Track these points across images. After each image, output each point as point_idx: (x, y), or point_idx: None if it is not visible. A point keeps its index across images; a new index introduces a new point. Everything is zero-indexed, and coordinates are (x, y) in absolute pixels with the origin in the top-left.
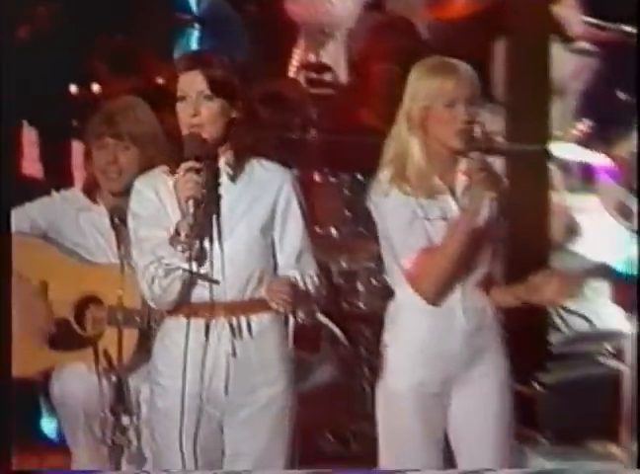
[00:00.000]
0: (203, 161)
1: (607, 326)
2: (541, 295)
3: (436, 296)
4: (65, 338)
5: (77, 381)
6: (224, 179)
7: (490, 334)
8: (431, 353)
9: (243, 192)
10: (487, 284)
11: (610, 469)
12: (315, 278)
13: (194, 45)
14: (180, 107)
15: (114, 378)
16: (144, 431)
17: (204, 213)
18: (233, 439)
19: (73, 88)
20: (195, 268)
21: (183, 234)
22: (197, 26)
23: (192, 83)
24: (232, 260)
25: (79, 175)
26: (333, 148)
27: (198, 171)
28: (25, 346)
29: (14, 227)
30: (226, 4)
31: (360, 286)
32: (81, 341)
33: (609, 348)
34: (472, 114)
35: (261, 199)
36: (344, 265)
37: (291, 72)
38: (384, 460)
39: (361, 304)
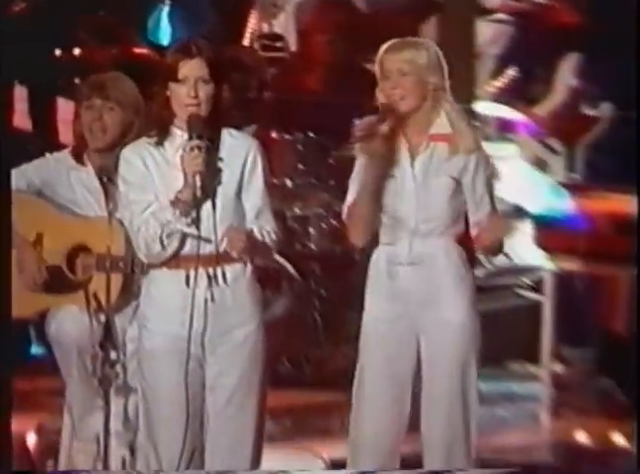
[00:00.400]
0: (204, 139)
1: (525, 262)
2: (484, 234)
3: (360, 240)
4: (59, 283)
5: (70, 321)
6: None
7: (441, 276)
8: (389, 293)
9: (222, 158)
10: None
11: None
12: (272, 234)
13: (165, 19)
14: (178, 88)
15: (102, 318)
16: (130, 365)
17: (205, 185)
18: (213, 374)
19: (58, 51)
20: (191, 229)
21: (184, 201)
22: (167, 1)
23: (192, 69)
24: (220, 218)
25: (63, 128)
26: (286, 109)
27: (200, 148)
28: (22, 291)
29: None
30: None
31: (311, 230)
32: (73, 285)
33: (528, 281)
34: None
35: (232, 165)
36: (297, 211)
37: (247, 40)
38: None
39: (313, 245)
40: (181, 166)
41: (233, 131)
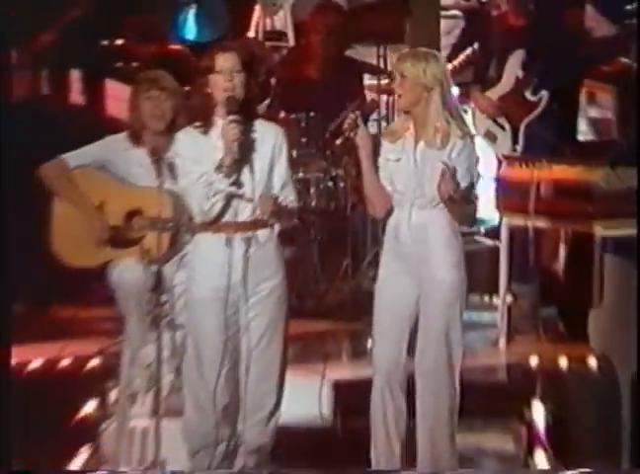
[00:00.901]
0: (239, 115)
1: (485, 216)
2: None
3: (378, 213)
4: (119, 240)
5: (128, 271)
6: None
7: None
8: (395, 253)
9: (255, 138)
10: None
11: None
12: (294, 201)
13: (191, 19)
14: (216, 78)
15: (154, 268)
16: (177, 305)
17: (242, 150)
18: (247, 319)
19: (105, 42)
20: (233, 188)
21: (227, 166)
22: (193, 6)
23: (227, 61)
24: (257, 186)
25: (110, 103)
26: (290, 92)
27: (237, 122)
28: (89, 246)
29: (79, 162)
30: None
31: (312, 190)
32: (130, 242)
33: (484, 229)
34: None
35: (264, 146)
36: (300, 175)
37: (252, 33)
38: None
39: (313, 202)
40: (222, 138)
41: (264, 121)
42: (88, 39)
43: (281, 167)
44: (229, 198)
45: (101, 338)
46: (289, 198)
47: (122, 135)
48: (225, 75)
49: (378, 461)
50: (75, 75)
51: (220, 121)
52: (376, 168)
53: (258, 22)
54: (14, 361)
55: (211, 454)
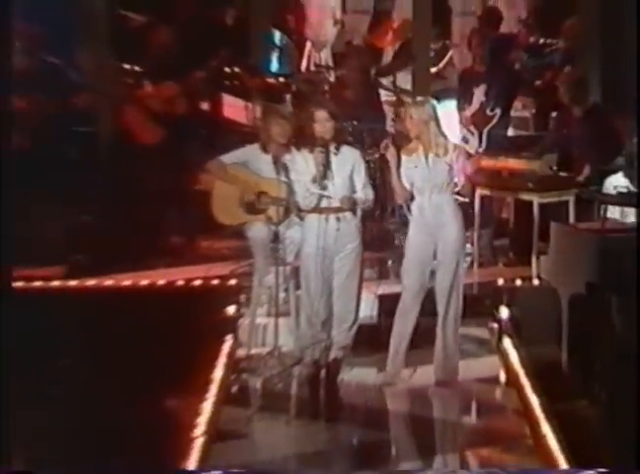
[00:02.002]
0: (331, 143)
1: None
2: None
3: (401, 201)
4: (252, 209)
5: (258, 229)
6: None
7: (445, 213)
8: (419, 224)
9: (338, 159)
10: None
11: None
12: (370, 196)
13: (276, 60)
14: (316, 124)
15: (273, 228)
16: (288, 251)
17: (328, 168)
18: (336, 266)
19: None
20: (322, 191)
21: (319, 177)
22: (277, 50)
23: (321, 114)
24: (338, 188)
25: (226, 110)
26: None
27: (324, 152)
28: (234, 212)
29: (230, 161)
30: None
31: None
32: (259, 211)
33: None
34: None
35: (347, 162)
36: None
37: (304, 64)
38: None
39: None
40: (314, 160)
41: (348, 146)
42: (217, 71)
43: (361, 175)
44: (320, 196)
45: (231, 262)
46: (368, 194)
47: (256, 145)
48: (320, 123)
49: (395, 343)
50: (209, 93)
51: (317, 149)
52: (399, 173)
53: (309, 56)
54: (177, 280)
55: (315, 348)
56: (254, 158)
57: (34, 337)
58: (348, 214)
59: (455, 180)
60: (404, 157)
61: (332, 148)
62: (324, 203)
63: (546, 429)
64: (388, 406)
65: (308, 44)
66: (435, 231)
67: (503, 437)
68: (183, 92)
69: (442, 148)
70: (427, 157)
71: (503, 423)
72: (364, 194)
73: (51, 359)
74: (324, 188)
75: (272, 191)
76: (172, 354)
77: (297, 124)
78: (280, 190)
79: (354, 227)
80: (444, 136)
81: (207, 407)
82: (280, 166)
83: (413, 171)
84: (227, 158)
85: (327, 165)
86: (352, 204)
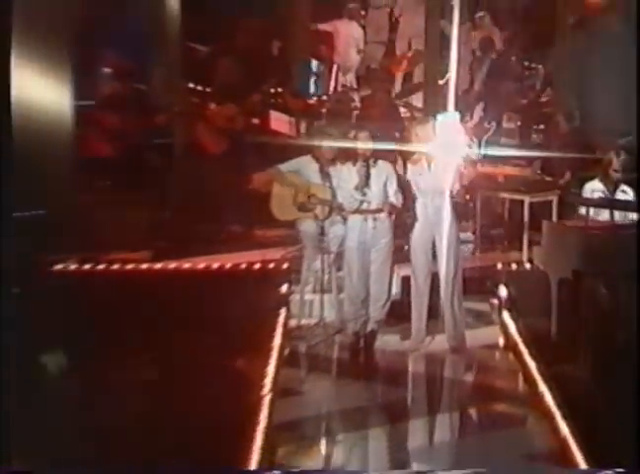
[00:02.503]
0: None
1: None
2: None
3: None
4: (303, 208)
5: (308, 225)
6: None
7: (444, 212)
8: (423, 219)
9: (375, 170)
10: None
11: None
12: (400, 203)
13: (313, 83)
14: (358, 143)
15: (320, 224)
16: (332, 243)
17: (367, 178)
18: (373, 256)
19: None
20: (362, 197)
21: (360, 186)
22: (314, 76)
23: (363, 134)
24: (375, 195)
25: (273, 123)
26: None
27: (366, 166)
28: (289, 210)
29: (286, 169)
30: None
31: None
32: (309, 209)
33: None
34: None
35: (382, 173)
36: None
37: (332, 86)
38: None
39: None
40: (357, 173)
41: (382, 160)
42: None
43: (393, 184)
44: (360, 201)
45: (282, 248)
46: (399, 199)
47: (308, 157)
48: (363, 142)
49: (415, 318)
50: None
51: (359, 163)
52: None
53: (336, 79)
54: (240, 263)
55: (357, 322)
56: (305, 167)
57: (129, 309)
58: (382, 215)
59: (453, 186)
60: (410, 166)
61: (371, 162)
62: (364, 206)
63: (543, 387)
64: (413, 368)
65: (335, 69)
66: (434, 226)
67: (505, 394)
68: (241, 111)
69: (442, 161)
70: (429, 166)
71: (505, 382)
72: (396, 199)
73: (144, 328)
74: (364, 194)
75: (319, 194)
76: (239, 324)
77: (342, 142)
78: (325, 193)
79: (387, 226)
80: (444, 150)
81: (271, 369)
82: (326, 175)
83: (418, 177)
84: (284, 166)
85: (367, 176)
86: (391, 209)
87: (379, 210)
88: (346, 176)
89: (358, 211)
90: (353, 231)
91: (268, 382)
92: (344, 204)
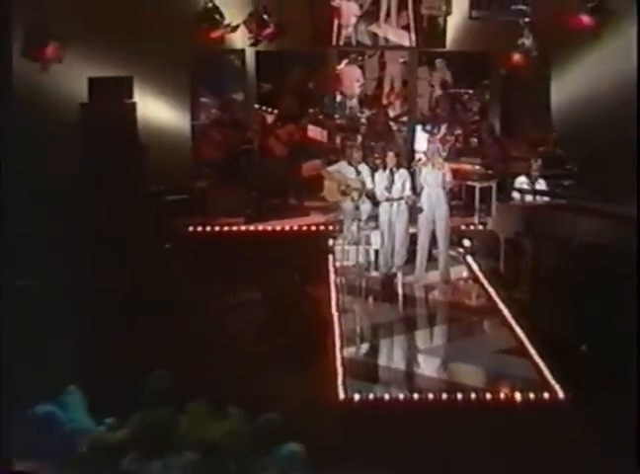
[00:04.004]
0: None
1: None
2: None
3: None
4: (344, 193)
5: (347, 204)
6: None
7: (440, 199)
8: (426, 204)
9: (398, 175)
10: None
11: None
12: (414, 197)
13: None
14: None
15: (355, 203)
16: (363, 213)
17: (393, 180)
18: (396, 228)
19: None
20: (388, 194)
21: (386, 186)
22: (337, 103)
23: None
24: (398, 190)
25: (311, 133)
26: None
27: (392, 172)
28: (334, 195)
29: (332, 170)
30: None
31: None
32: (347, 194)
33: None
34: None
35: (402, 177)
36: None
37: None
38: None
39: None
40: (387, 178)
41: (402, 168)
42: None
43: (407, 183)
44: (388, 194)
45: (318, 215)
46: (412, 192)
47: (344, 162)
48: (390, 158)
49: (418, 261)
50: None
51: (387, 170)
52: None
53: (344, 103)
54: (302, 225)
55: (387, 267)
56: (343, 168)
57: (231, 255)
58: (402, 202)
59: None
60: (422, 168)
61: (394, 169)
62: (391, 196)
63: (502, 306)
64: (418, 294)
65: (340, 96)
66: (434, 207)
67: (475, 311)
68: (296, 129)
69: (442, 165)
70: (433, 167)
71: (474, 302)
72: (411, 192)
73: (242, 266)
74: (390, 191)
75: (353, 185)
76: (304, 264)
77: (372, 153)
78: (357, 184)
79: (404, 209)
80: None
81: (332, 294)
82: (358, 172)
83: (427, 176)
84: (331, 168)
85: (392, 179)
86: (407, 199)
87: (400, 199)
88: (378, 179)
89: (387, 200)
90: (384, 213)
91: (333, 303)
92: (377, 196)
